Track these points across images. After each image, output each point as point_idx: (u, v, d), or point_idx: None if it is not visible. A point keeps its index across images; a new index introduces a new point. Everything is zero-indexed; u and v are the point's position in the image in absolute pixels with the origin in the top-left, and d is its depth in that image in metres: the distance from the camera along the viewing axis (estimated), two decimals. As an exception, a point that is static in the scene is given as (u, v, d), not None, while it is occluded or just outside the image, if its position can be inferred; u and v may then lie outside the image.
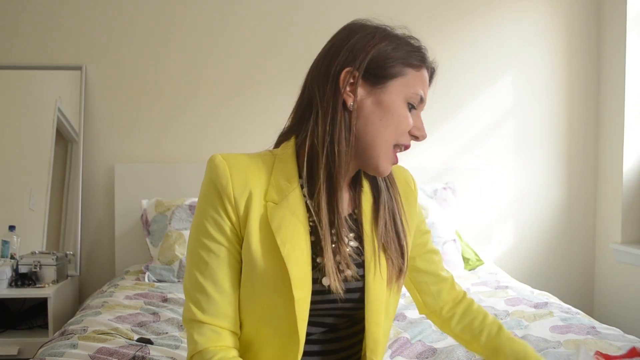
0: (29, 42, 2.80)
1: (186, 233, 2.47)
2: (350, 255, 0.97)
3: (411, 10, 2.90)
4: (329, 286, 0.93)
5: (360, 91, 0.94)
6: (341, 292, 0.93)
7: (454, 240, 2.60)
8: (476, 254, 2.66)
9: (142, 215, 2.62)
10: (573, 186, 3.01)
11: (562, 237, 3.00)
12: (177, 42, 2.85)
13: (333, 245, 0.95)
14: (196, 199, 2.58)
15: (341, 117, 0.93)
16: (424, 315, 1.88)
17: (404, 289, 1.50)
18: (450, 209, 2.70)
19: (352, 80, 0.93)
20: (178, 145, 2.85)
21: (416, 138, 0.98)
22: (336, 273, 0.93)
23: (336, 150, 0.93)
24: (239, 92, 2.86)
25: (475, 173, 2.94)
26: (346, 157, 0.94)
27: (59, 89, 2.80)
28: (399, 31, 0.97)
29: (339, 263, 0.95)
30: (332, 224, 0.95)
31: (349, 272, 0.96)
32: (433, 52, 1.01)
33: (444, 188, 2.76)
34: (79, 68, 2.79)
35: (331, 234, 0.95)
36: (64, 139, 2.81)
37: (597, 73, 2.98)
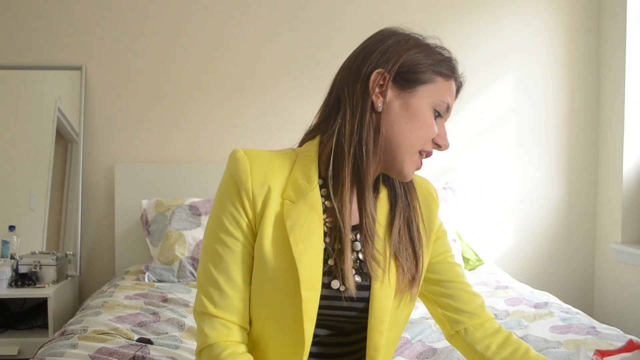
0: (29, 42, 2.80)
1: (186, 233, 2.47)
2: (361, 261, 0.97)
3: (411, 10, 2.89)
4: (337, 289, 0.94)
5: (389, 93, 0.94)
6: (353, 293, 0.93)
7: (454, 240, 2.60)
8: (476, 254, 2.66)
9: (142, 215, 2.62)
10: (573, 186, 3.00)
11: (562, 237, 3.00)
12: (177, 42, 2.85)
13: (353, 253, 0.95)
14: (196, 199, 2.58)
15: (369, 118, 0.94)
16: (424, 316, 1.89)
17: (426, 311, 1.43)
18: (450, 209, 2.70)
19: (382, 82, 0.94)
20: (178, 146, 2.85)
21: (439, 147, 0.98)
22: (352, 274, 0.93)
23: (364, 150, 0.93)
24: (240, 92, 2.86)
25: (475, 173, 2.94)
26: (373, 157, 0.94)
27: (59, 89, 2.80)
28: (430, 41, 0.98)
29: (358, 265, 0.96)
30: (354, 227, 0.95)
31: (358, 279, 0.96)
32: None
33: (444, 188, 2.76)
34: (79, 68, 2.79)
35: (354, 236, 0.96)
36: (64, 139, 2.81)
37: (598, 73, 2.98)
